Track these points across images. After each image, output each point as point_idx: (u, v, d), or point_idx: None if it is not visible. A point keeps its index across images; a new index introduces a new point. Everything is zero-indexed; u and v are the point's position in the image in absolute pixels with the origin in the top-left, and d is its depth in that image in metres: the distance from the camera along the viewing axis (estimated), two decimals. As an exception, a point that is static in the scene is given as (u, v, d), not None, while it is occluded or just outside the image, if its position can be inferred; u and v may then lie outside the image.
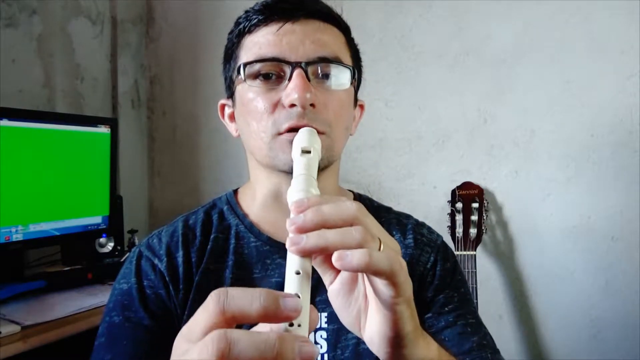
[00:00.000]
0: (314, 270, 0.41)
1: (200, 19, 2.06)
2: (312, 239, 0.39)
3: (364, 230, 0.40)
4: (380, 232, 0.43)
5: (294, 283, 0.38)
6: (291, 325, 0.35)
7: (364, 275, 0.45)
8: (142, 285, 0.68)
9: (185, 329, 0.34)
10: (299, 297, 0.37)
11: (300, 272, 0.39)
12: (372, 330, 0.46)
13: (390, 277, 0.40)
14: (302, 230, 0.39)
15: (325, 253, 0.40)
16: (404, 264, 0.42)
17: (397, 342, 0.45)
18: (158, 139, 2.21)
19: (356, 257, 0.38)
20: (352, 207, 0.41)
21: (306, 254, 0.39)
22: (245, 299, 0.33)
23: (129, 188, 2.08)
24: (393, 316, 0.43)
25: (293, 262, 0.39)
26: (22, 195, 1.45)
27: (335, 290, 0.47)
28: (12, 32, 1.69)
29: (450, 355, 0.55)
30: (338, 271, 0.47)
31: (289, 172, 0.63)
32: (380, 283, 0.41)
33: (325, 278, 0.47)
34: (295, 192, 0.46)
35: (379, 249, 0.41)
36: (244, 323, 0.32)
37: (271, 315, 0.33)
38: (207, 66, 2.05)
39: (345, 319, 0.48)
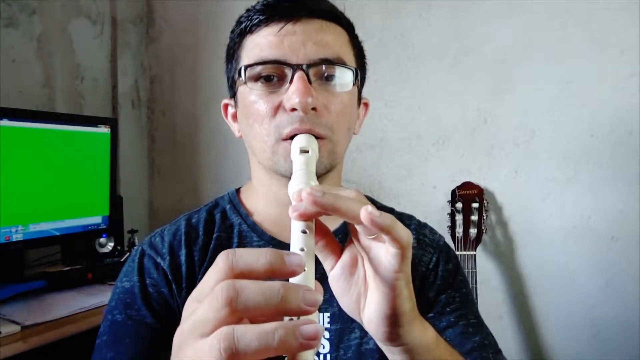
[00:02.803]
0: (315, 270, 0.41)
1: (200, 19, 2.06)
2: (330, 198, 0.41)
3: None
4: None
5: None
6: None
7: (364, 259, 0.47)
8: (145, 283, 0.68)
9: (195, 291, 0.36)
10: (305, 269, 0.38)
11: (305, 248, 0.40)
12: (371, 310, 0.47)
13: (404, 248, 0.42)
14: (304, 216, 0.41)
15: (335, 213, 0.41)
16: None
17: (394, 321, 0.46)
18: (158, 139, 2.21)
19: (387, 218, 0.40)
20: (352, 194, 0.44)
21: (320, 206, 0.40)
22: (252, 256, 0.34)
23: (129, 188, 2.08)
24: (392, 293, 0.44)
25: (298, 240, 0.41)
26: (22, 195, 1.45)
27: (336, 275, 0.49)
28: (12, 32, 1.69)
29: (450, 346, 0.55)
30: (339, 257, 0.49)
31: (290, 177, 0.63)
32: (388, 254, 0.43)
33: (327, 264, 0.49)
34: (295, 185, 0.48)
35: None
36: (251, 279, 0.33)
37: (277, 270, 0.34)
38: (207, 66, 2.05)
39: (346, 303, 0.50)
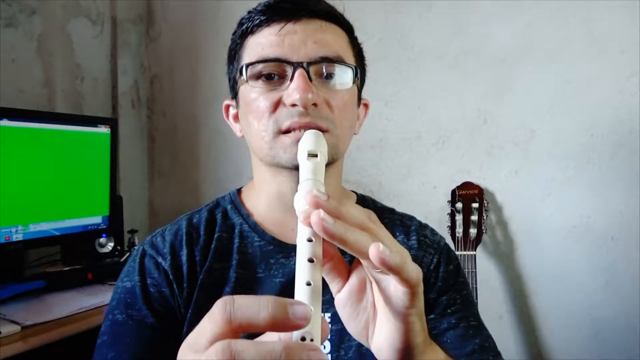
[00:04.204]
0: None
1: (200, 19, 2.06)
2: (340, 229, 0.38)
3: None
4: (393, 242, 0.42)
5: (304, 294, 0.37)
6: (303, 339, 0.33)
7: (373, 284, 0.45)
8: (146, 283, 0.68)
9: (191, 338, 0.33)
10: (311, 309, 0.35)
11: (311, 283, 0.37)
12: (381, 341, 0.45)
13: (414, 287, 0.40)
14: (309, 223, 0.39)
15: (342, 245, 0.39)
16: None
17: (406, 353, 0.44)
18: (158, 139, 2.21)
19: (397, 257, 0.38)
20: (363, 216, 0.41)
21: (329, 235, 0.38)
22: (253, 307, 0.31)
23: (129, 188, 2.08)
24: (404, 327, 0.42)
25: (304, 272, 0.38)
26: (22, 195, 1.45)
27: (343, 300, 0.46)
28: (12, 32, 1.69)
29: None
30: (346, 280, 0.46)
31: (292, 169, 0.64)
32: (398, 291, 0.41)
33: (333, 286, 0.47)
34: (302, 198, 0.44)
35: None
36: (251, 332, 0.31)
37: (280, 325, 0.31)
38: (207, 66, 2.05)
39: (353, 328, 0.47)
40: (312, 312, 0.33)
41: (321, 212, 0.38)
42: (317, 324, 0.34)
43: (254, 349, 0.30)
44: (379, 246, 0.37)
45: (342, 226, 0.38)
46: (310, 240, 0.39)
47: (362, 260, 0.42)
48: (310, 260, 0.38)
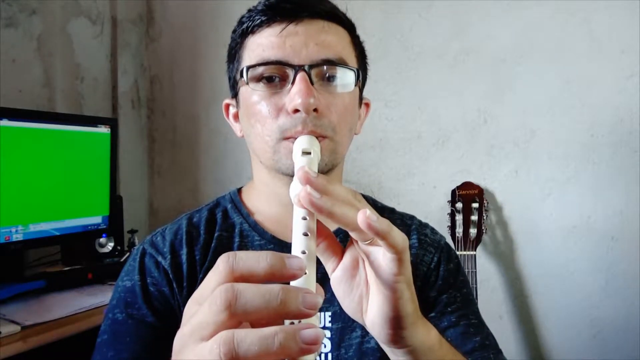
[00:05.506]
0: (317, 271, 0.41)
1: (200, 19, 2.06)
2: (327, 202, 0.41)
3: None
4: (378, 215, 0.44)
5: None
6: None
7: (365, 262, 0.47)
8: (146, 282, 0.68)
9: (196, 293, 0.36)
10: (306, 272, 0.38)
11: (306, 251, 0.40)
12: (374, 313, 0.47)
13: (400, 253, 0.42)
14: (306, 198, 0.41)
15: (330, 218, 0.41)
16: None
17: (397, 323, 0.46)
18: (158, 139, 2.21)
19: (383, 223, 0.40)
20: (349, 194, 0.44)
21: (316, 208, 0.41)
22: (253, 259, 0.34)
23: (129, 188, 2.08)
24: (393, 295, 0.44)
25: (299, 243, 0.41)
26: (22, 195, 1.45)
27: (338, 278, 0.49)
28: (12, 32, 1.69)
29: (452, 347, 0.55)
30: (340, 258, 0.49)
31: (292, 176, 0.63)
32: (386, 259, 0.43)
33: (328, 266, 0.49)
34: (297, 188, 0.47)
35: None
36: (252, 282, 0.33)
37: (277, 273, 0.34)
38: (207, 66, 2.05)
39: (348, 305, 0.50)
40: (307, 271, 0.36)
41: (308, 188, 0.41)
42: (311, 287, 0.37)
43: (254, 288, 0.32)
44: (366, 211, 0.40)
45: (328, 200, 0.41)
46: (304, 219, 0.42)
47: (351, 234, 0.45)
48: (305, 234, 0.41)
